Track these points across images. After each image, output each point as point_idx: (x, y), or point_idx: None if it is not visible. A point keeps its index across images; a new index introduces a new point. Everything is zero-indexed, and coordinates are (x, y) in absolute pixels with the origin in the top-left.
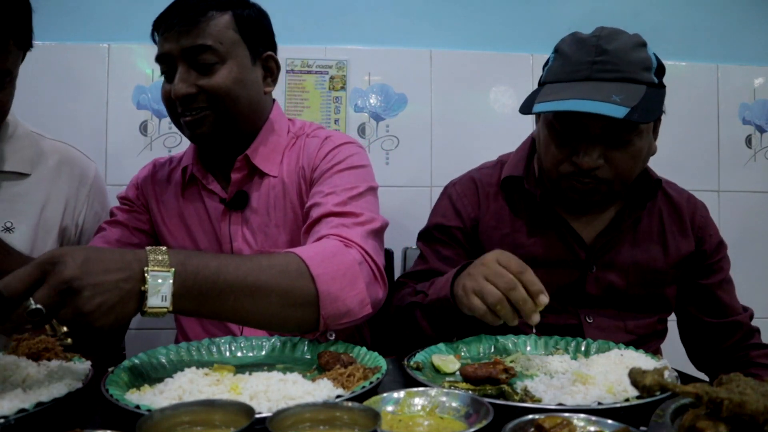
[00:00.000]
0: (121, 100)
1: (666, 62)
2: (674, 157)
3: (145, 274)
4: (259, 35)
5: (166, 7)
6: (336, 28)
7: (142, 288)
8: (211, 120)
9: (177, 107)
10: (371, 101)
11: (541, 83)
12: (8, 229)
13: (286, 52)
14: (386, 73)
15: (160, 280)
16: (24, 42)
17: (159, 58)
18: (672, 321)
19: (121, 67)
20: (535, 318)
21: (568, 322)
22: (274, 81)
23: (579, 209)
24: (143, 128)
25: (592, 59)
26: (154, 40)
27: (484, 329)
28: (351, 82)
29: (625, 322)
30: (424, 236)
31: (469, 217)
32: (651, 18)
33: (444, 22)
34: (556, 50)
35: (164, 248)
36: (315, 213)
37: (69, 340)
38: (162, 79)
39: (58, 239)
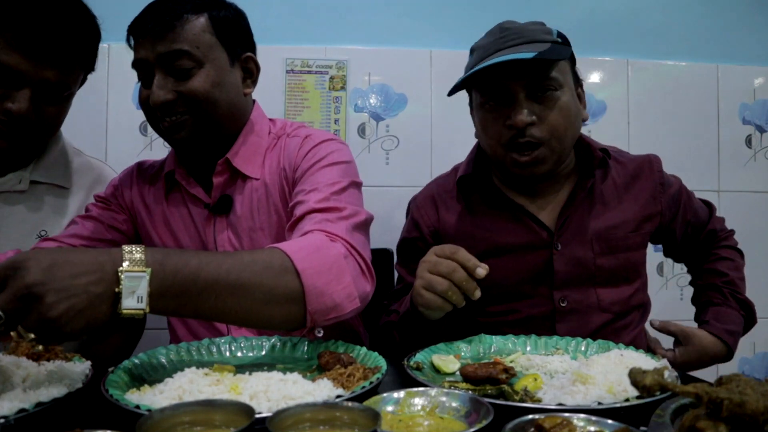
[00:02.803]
0: (121, 100)
1: (666, 62)
2: (674, 157)
3: (120, 275)
4: (236, 36)
5: (140, 12)
6: (336, 28)
7: (116, 290)
8: (190, 125)
9: (155, 113)
10: (371, 101)
11: None
12: (41, 237)
13: (286, 52)
14: (386, 73)
15: (135, 281)
16: (87, 64)
17: (135, 64)
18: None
19: (121, 67)
20: (477, 293)
21: (541, 311)
22: (254, 82)
23: (533, 190)
24: (143, 128)
25: (497, 37)
26: (129, 45)
27: (444, 337)
28: (351, 82)
29: (599, 299)
30: (398, 256)
31: (428, 226)
32: (651, 18)
33: (444, 22)
34: (470, 51)
35: (141, 247)
36: (298, 211)
37: (40, 347)
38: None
39: None
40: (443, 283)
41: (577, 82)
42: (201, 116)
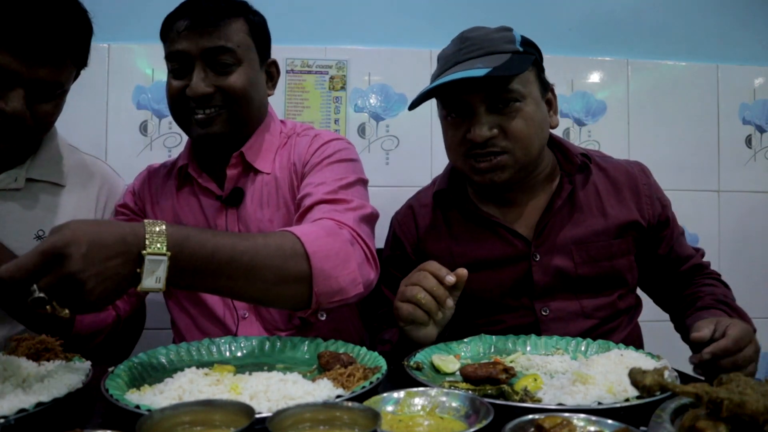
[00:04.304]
0: (121, 100)
1: (666, 62)
2: (674, 157)
3: (143, 257)
4: (265, 41)
5: (180, 7)
6: (336, 28)
7: (138, 270)
8: (224, 119)
9: (186, 104)
10: (371, 101)
11: None
12: (40, 238)
13: (286, 52)
14: (386, 73)
15: (156, 264)
16: (80, 60)
17: (173, 56)
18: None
19: (121, 67)
20: (449, 302)
21: (524, 321)
22: (274, 86)
23: (507, 200)
24: (143, 128)
25: (458, 48)
26: (163, 38)
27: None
28: (351, 82)
29: (582, 306)
30: (382, 277)
31: (410, 242)
32: (651, 18)
33: (444, 22)
34: (437, 59)
35: (163, 226)
36: (307, 201)
37: (66, 311)
38: (161, 78)
39: None
40: (413, 288)
41: (545, 88)
42: (235, 112)
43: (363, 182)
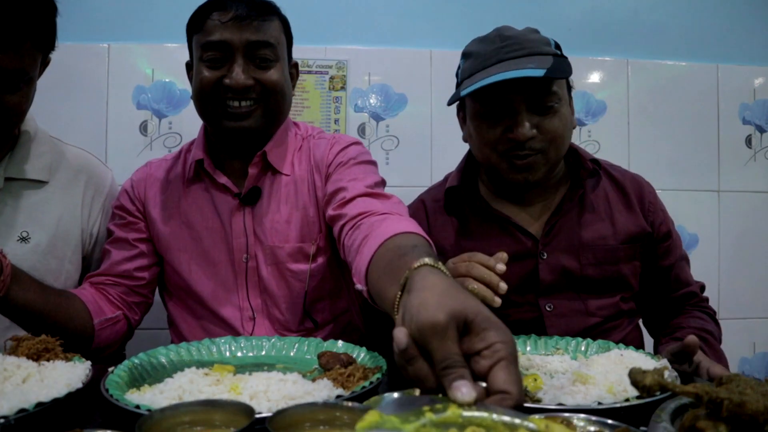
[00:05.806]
0: (121, 100)
1: (666, 62)
2: (674, 157)
3: None
4: (291, 43)
5: (216, 0)
6: (336, 28)
7: None
8: (259, 113)
9: (219, 95)
10: (371, 101)
11: (458, 85)
12: (24, 239)
13: None
14: (386, 73)
15: None
16: (44, 43)
17: (212, 45)
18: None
19: (121, 67)
20: (503, 285)
21: (528, 316)
22: (294, 87)
23: (521, 199)
24: (143, 128)
25: (498, 46)
26: (195, 29)
27: None
28: (351, 82)
29: (586, 305)
30: None
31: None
32: (651, 18)
33: (444, 22)
34: (463, 55)
35: None
36: (346, 194)
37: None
38: (160, 78)
39: (75, 249)
40: (464, 280)
41: (569, 90)
42: (270, 106)
43: (384, 183)
